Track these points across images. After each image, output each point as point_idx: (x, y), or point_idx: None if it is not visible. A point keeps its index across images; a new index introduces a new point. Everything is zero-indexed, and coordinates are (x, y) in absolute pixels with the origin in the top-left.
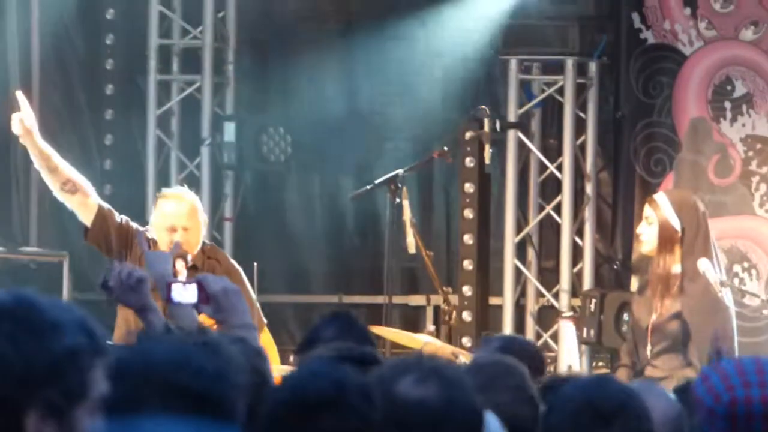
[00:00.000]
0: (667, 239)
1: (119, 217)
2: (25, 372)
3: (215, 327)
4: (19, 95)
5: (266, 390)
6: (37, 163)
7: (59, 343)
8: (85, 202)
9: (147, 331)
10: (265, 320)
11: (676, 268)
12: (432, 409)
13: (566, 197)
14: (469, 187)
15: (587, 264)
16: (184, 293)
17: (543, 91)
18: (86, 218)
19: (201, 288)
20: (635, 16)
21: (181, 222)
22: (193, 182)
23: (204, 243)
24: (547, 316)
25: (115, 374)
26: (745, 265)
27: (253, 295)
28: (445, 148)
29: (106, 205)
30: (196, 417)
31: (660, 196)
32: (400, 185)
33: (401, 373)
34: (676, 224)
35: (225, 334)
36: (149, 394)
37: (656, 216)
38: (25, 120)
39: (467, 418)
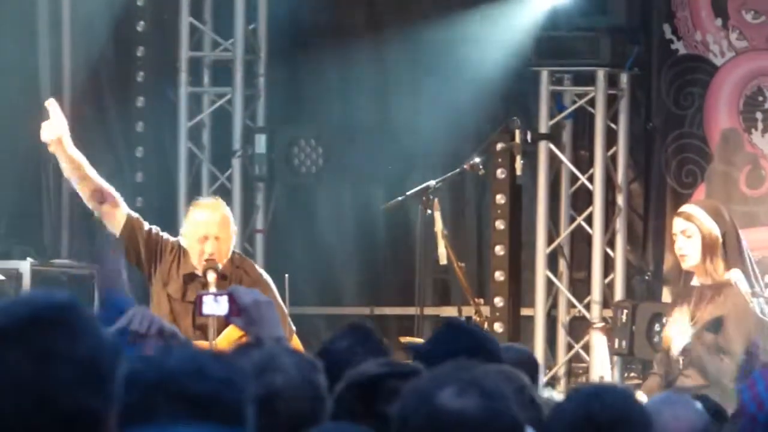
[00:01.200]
0: (710, 247)
1: (148, 227)
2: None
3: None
4: (52, 103)
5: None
6: (67, 172)
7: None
8: (113, 213)
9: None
10: (293, 327)
11: (722, 274)
12: (472, 420)
13: (597, 208)
14: (500, 199)
15: (618, 275)
16: (215, 306)
17: (574, 102)
18: (115, 228)
19: (232, 300)
20: (666, 27)
21: (213, 231)
22: (224, 194)
23: (233, 253)
24: (579, 327)
25: (127, 383)
26: None
27: (282, 303)
28: (477, 160)
29: (134, 215)
30: (207, 424)
31: (691, 208)
32: (431, 197)
33: (441, 384)
34: (716, 230)
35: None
36: (161, 402)
37: (695, 227)
38: (56, 127)
39: (508, 430)
